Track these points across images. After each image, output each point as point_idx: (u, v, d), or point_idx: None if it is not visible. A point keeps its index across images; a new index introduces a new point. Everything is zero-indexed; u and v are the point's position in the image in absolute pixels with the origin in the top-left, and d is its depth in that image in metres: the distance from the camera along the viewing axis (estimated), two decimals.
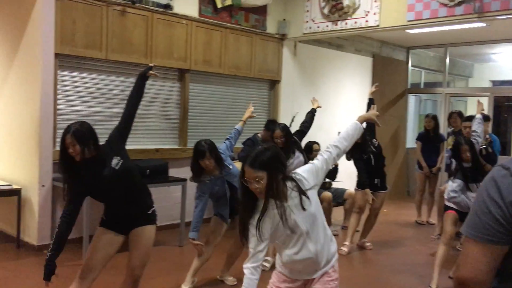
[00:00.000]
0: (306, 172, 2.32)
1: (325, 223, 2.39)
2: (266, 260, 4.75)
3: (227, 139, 4.24)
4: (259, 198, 2.22)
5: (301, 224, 2.24)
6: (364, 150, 5.25)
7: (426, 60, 10.12)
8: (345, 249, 5.34)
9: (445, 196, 4.48)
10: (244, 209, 2.25)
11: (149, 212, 3.05)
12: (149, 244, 3.06)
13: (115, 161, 2.86)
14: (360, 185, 5.36)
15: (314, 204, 2.27)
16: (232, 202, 4.03)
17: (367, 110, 5.35)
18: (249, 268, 2.24)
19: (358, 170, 5.36)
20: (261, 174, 2.16)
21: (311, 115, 5.34)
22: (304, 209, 2.22)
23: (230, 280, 4.26)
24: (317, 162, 2.38)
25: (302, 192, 2.23)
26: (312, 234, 2.27)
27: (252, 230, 2.22)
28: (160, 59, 5.70)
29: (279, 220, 2.21)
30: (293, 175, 2.29)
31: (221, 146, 4.10)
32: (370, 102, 5.36)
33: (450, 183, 4.51)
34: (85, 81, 5.23)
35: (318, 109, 5.42)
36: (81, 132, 2.77)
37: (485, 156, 5.15)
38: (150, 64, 3.40)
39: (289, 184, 2.24)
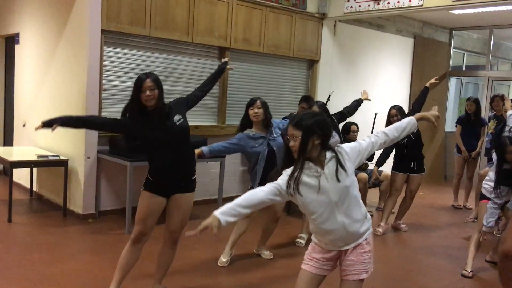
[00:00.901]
0: (349, 148, 2.40)
1: (360, 200, 2.44)
2: (300, 237, 4.84)
3: (284, 118, 4.39)
4: (294, 156, 2.33)
5: (332, 193, 2.30)
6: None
7: (469, 42, 9.85)
8: (380, 229, 5.38)
9: (484, 185, 4.42)
10: (284, 162, 2.41)
11: (193, 178, 3.22)
12: (189, 209, 3.25)
13: (177, 118, 3.09)
14: (378, 163, 5.53)
15: (350, 178, 2.34)
16: (267, 173, 4.08)
17: (420, 98, 5.46)
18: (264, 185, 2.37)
19: (383, 150, 5.36)
20: (297, 133, 2.30)
21: (356, 103, 5.48)
22: (338, 180, 2.30)
23: (266, 254, 4.37)
24: (363, 142, 2.46)
25: (339, 164, 2.31)
26: (342, 207, 2.33)
27: (283, 176, 2.34)
28: (201, 37, 5.79)
29: (309, 182, 2.30)
30: (336, 147, 2.37)
31: (276, 120, 4.27)
32: (425, 91, 5.47)
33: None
34: (129, 57, 5.37)
35: (358, 96, 5.52)
36: (158, 79, 3.05)
37: None
38: (225, 59, 3.86)
39: (328, 153, 2.33)
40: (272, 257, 4.36)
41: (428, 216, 6.47)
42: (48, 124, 2.95)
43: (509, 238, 1.35)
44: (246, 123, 4.04)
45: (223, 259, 4.16)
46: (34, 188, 6.06)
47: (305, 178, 2.30)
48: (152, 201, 3.12)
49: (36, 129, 2.97)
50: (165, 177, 3.11)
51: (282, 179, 2.34)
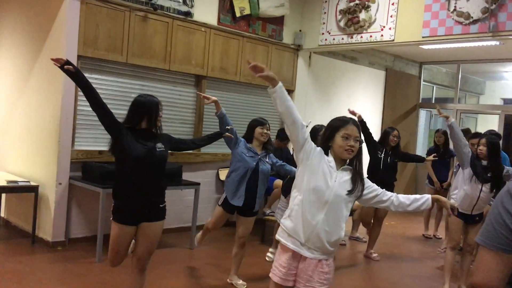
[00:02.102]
0: (364, 178, 2.60)
1: (343, 227, 2.55)
2: (271, 252, 4.91)
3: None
4: (346, 157, 2.50)
5: (329, 192, 2.44)
6: (378, 149, 5.57)
7: (438, 76, 10.20)
8: (375, 254, 5.71)
9: (452, 196, 4.75)
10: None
11: (161, 206, 3.25)
12: (157, 237, 3.29)
13: (160, 145, 3.22)
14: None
15: (350, 195, 2.50)
16: (248, 197, 4.16)
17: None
18: None
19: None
20: (359, 136, 2.51)
21: None
22: (344, 188, 2.46)
23: (239, 283, 4.34)
24: (376, 187, 2.63)
25: (353, 176, 2.50)
26: (328, 210, 2.45)
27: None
28: (178, 64, 5.84)
29: (325, 168, 2.46)
30: None
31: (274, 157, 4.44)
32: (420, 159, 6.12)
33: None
34: (105, 83, 5.35)
35: None
36: None
37: None
38: (228, 127, 4.10)
39: (349, 165, 2.54)
40: (245, 286, 4.32)
41: (399, 246, 6.55)
42: (67, 63, 2.99)
43: (477, 271, 1.39)
44: (248, 139, 4.26)
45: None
46: (2, 214, 5.88)
47: (324, 165, 2.48)
48: (121, 233, 3.18)
49: (53, 59, 3.00)
50: (131, 200, 3.14)
51: (313, 144, 2.53)
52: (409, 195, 2.66)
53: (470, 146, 5.83)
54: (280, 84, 2.41)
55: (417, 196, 2.65)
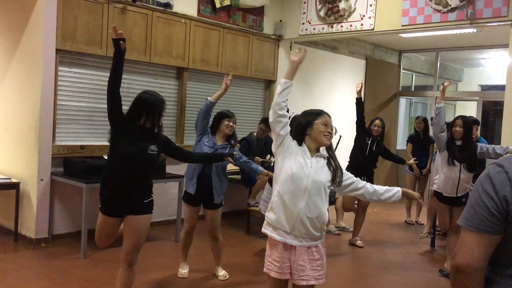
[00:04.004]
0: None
1: (326, 212, 2.61)
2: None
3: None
4: (325, 143, 2.63)
5: (307, 180, 2.50)
6: (368, 135, 5.65)
7: (417, 64, 10.31)
8: (360, 241, 5.80)
9: (434, 181, 4.94)
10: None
11: (145, 201, 3.21)
12: (143, 231, 3.24)
13: (153, 147, 3.16)
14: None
15: (327, 180, 2.58)
16: (208, 191, 4.12)
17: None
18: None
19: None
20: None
21: None
22: (321, 174, 2.55)
23: (220, 275, 4.35)
24: (351, 175, 2.74)
25: (328, 162, 2.61)
26: (309, 197, 2.51)
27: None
28: (159, 57, 5.79)
29: (299, 158, 2.55)
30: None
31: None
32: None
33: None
34: (85, 77, 5.29)
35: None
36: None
37: None
38: (235, 153, 4.00)
39: (319, 151, 2.65)
40: (227, 277, 4.33)
41: (382, 232, 6.65)
42: (123, 39, 3.03)
43: (459, 252, 1.43)
44: (212, 130, 4.24)
45: (182, 270, 4.35)
46: None
47: (299, 153, 2.57)
48: (105, 223, 3.24)
49: (114, 28, 3.02)
50: (113, 194, 3.15)
51: (290, 137, 2.63)
52: (382, 186, 2.80)
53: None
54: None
55: (389, 187, 2.80)
